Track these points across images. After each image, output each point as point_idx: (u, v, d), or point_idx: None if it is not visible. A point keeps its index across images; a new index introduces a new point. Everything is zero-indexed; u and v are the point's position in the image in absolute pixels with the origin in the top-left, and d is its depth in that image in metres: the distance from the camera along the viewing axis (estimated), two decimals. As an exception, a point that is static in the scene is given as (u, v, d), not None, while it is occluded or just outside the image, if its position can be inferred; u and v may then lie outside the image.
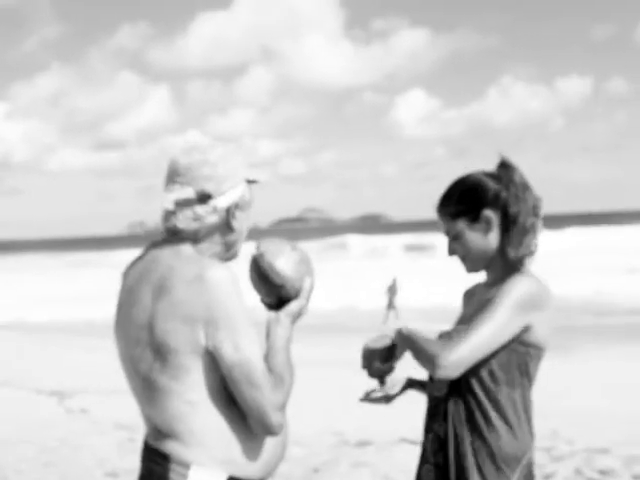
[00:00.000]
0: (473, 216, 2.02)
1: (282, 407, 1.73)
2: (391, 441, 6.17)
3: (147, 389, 1.75)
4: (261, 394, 1.69)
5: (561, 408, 7.85)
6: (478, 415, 1.97)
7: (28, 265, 52.91)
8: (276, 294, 1.87)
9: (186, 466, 1.71)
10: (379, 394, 2.14)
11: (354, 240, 54.90)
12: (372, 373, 2.10)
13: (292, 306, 1.87)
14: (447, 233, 2.08)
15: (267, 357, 1.76)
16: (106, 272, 33.57)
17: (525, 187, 2.02)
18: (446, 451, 2.02)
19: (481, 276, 2.15)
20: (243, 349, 1.69)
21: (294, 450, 5.88)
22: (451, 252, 2.09)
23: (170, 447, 1.73)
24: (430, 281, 24.08)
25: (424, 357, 1.90)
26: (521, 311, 1.91)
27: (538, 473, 5.24)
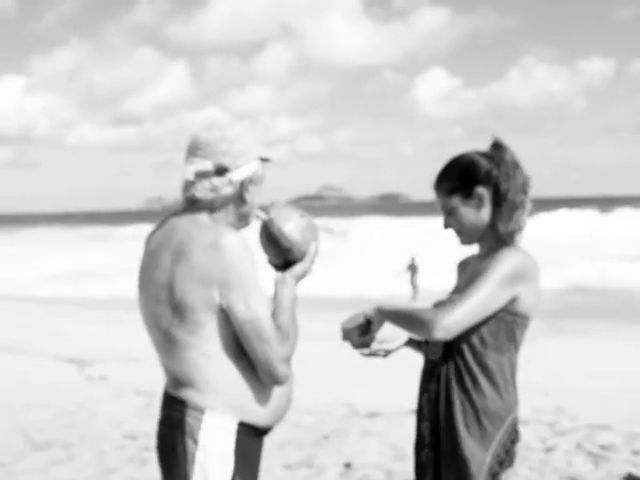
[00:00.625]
0: (467, 192, 2.16)
1: (288, 360, 1.91)
2: (400, 412, 6.35)
3: (167, 343, 1.93)
4: (269, 348, 1.86)
5: (567, 386, 8.02)
6: (467, 377, 2.13)
7: (44, 238, 53.20)
8: (283, 257, 2.05)
9: (201, 411, 1.90)
10: (378, 347, 2.29)
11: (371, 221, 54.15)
12: (355, 346, 2.26)
13: (297, 268, 2.04)
14: (443, 208, 2.22)
15: (274, 315, 1.93)
16: (122, 246, 33.97)
17: (515, 166, 2.16)
18: (437, 410, 2.19)
19: (474, 248, 2.30)
20: (253, 308, 1.86)
21: (305, 418, 6.09)
22: (446, 226, 2.24)
23: (187, 394, 1.92)
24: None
25: (418, 323, 2.06)
26: (509, 283, 2.06)
27: (540, 446, 5.41)
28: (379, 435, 5.67)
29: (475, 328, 2.10)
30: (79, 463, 4.99)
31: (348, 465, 4.88)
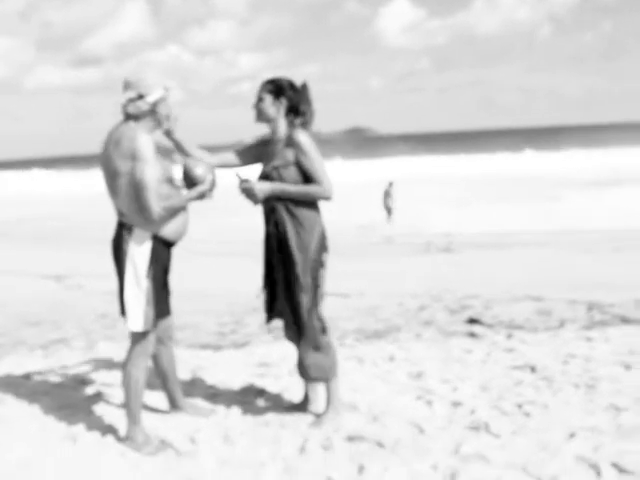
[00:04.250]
0: (276, 96, 3.76)
1: (162, 210, 3.39)
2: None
3: (113, 192, 3.49)
4: (149, 194, 3.37)
5: (473, 277, 9.73)
6: (293, 207, 3.70)
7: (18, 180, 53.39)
8: (192, 184, 3.59)
9: (131, 228, 3.47)
10: (249, 185, 3.70)
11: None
12: (241, 181, 3.73)
13: (198, 188, 3.56)
14: (258, 96, 3.78)
15: (173, 197, 3.46)
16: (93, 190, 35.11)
17: (310, 101, 3.78)
18: (277, 228, 3.76)
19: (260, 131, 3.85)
20: (145, 173, 3.38)
21: (196, 303, 7.72)
22: (254, 106, 3.81)
23: (124, 219, 3.48)
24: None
25: (316, 196, 3.67)
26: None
27: (415, 306, 7.09)
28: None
29: (295, 179, 3.67)
30: (64, 331, 6.60)
31: (271, 328, 6.54)
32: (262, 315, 6.90)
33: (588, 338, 5.46)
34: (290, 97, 3.77)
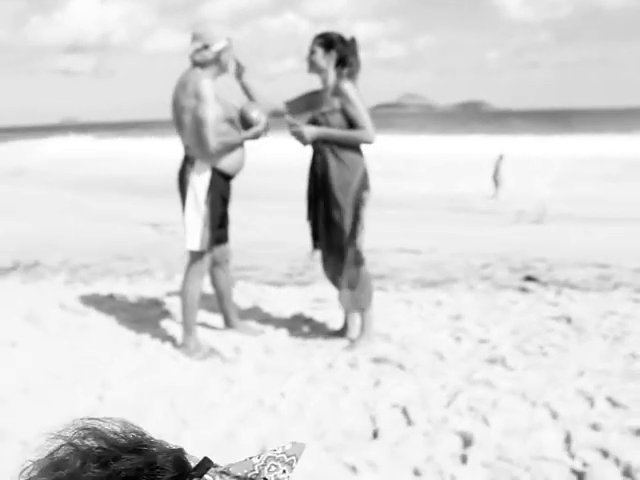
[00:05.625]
0: (327, 49, 4.12)
1: (218, 145, 3.86)
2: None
3: (179, 127, 3.98)
4: (207, 130, 3.85)
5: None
6: (336, 148, 4.10)
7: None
8: (248, 125, 4.02)
9: (193, 161, 3.95)
10: (298, 129, 4.14)
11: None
12: (290, 118, 4.20)
13: (252, 129, 4.00)
14: (311, 49, 4.15)
15: (229, 133, 3.91)
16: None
17: (357, 54, 4.14)
18: (322, 168, 4.17)
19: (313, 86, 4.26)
20: (205, 111, 3.85)
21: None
22: (307, 58, 4.17)
23: (188, 152, 3.98)
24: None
25: (359, 140, 4.08)
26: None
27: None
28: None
29: (340, 125, 4.07)
30: (149, 264, 7.26)
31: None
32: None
33: (636, 300, 5.62)
34: (339, 50, 4.12)
